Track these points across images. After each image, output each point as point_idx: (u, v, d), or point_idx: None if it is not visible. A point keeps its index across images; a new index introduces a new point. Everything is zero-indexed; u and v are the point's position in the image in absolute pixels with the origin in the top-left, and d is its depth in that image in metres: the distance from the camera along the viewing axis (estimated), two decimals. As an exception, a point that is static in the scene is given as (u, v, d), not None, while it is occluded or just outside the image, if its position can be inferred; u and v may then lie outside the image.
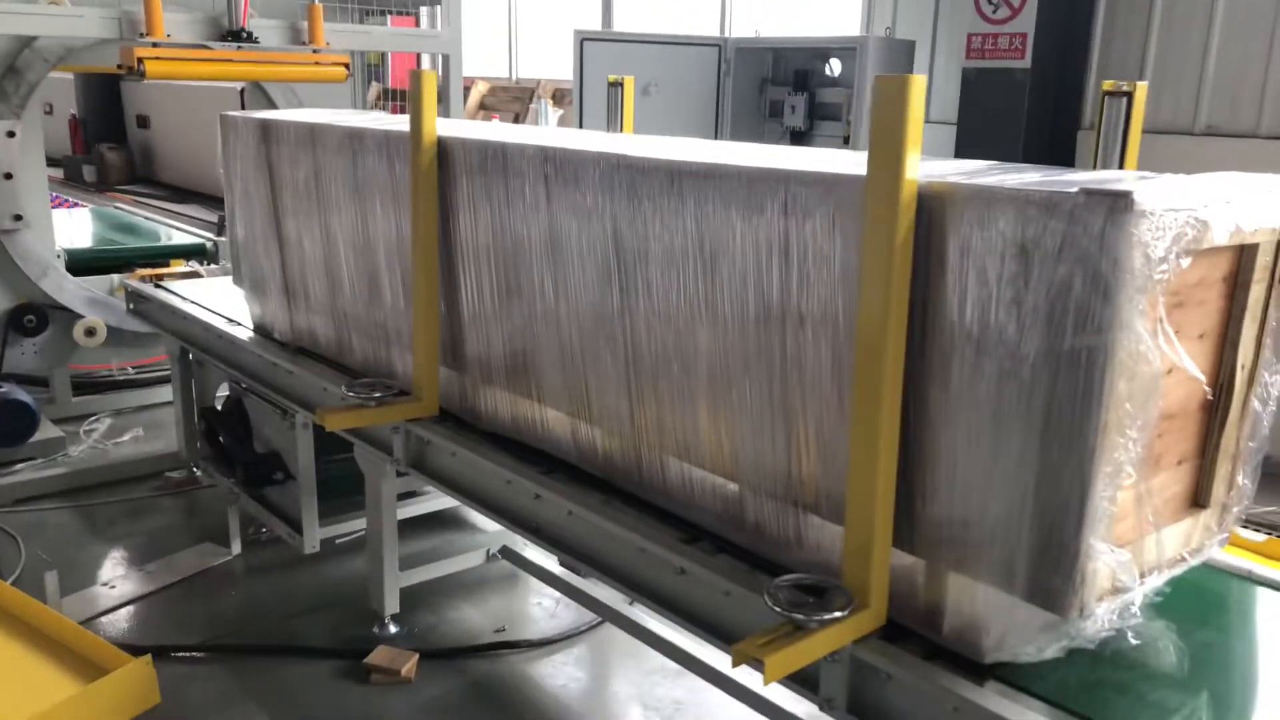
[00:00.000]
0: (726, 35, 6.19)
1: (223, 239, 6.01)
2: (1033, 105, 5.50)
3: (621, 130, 3.24)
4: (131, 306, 4.82)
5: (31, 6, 4.17)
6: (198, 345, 4.21)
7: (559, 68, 8.65)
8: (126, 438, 5.21)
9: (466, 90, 8.95)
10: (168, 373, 5.97)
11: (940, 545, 1.74)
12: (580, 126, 6.00)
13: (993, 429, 1.62)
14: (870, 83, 5.65)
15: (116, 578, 3.90)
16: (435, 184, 2.83)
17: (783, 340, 1.91)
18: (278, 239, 3.58)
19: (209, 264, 6.09)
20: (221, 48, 4.45)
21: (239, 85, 12.52)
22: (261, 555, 4.10)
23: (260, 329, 3.88)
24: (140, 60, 4.14)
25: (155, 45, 4.23)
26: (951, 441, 1.69)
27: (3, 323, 5.01)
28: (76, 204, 8.13)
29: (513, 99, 8.59)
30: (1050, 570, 1.59)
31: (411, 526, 3.70)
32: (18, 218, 4.82)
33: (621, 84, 3.20)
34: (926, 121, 6.46)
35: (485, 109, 8.68)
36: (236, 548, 4.09)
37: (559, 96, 8.27)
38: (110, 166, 9.69)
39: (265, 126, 3.55)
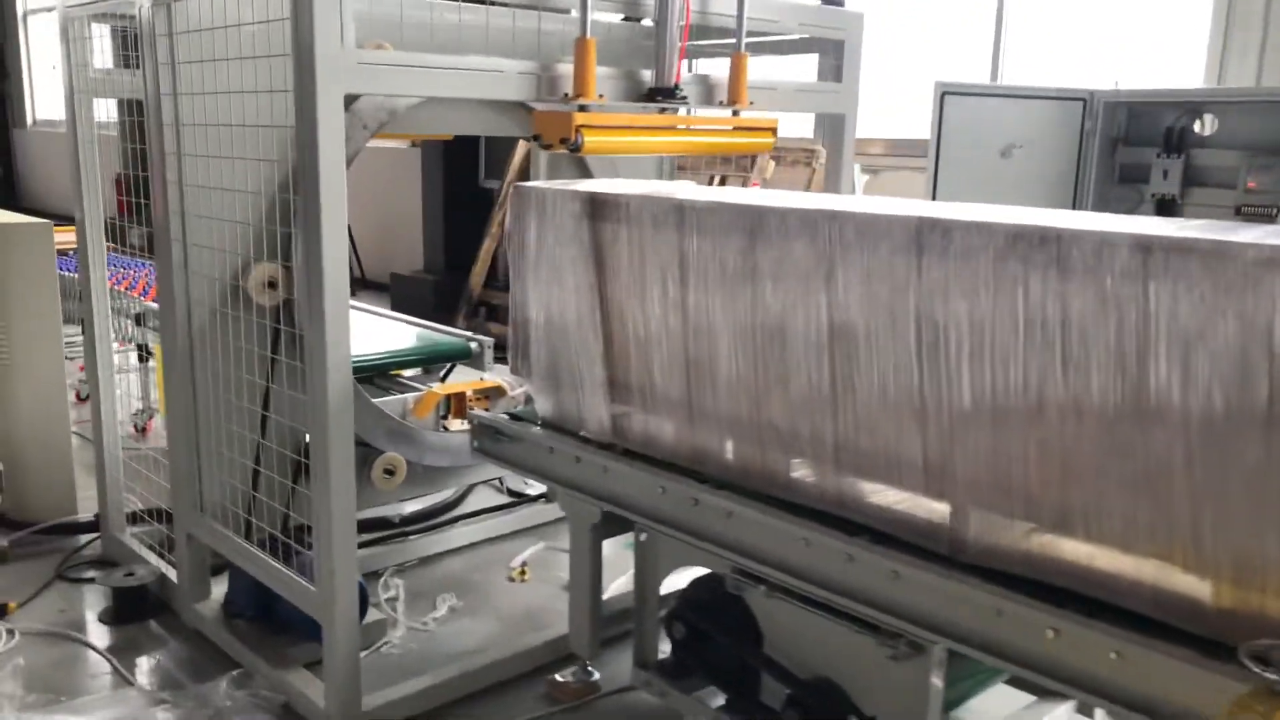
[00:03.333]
0: (1093, 88, 5.18)
1: (485, 339, 4.91)
2: None
3: None
4: (478, 444, 3.66)
5: (434, 59, 3.02)
6: (654, 516, 3.05)
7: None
8: (443, 610, 4.02)
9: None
10: (441, 505, 4.86)
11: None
12: (934, 196, 4.97)
13: None
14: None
15: None
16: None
17: None
18: (601, 326, 2.94)
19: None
20: (645, 111, 3.36)
21: (406, 144, 11.38)
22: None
23: (552, 425, 3.22)
24: (579, 130, 3.02)
25: (583, 109, 3.13)
26: None
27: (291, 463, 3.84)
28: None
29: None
30: None
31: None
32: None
33: None
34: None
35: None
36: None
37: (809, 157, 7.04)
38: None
39: (595, 201, 2.87)
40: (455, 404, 4.34)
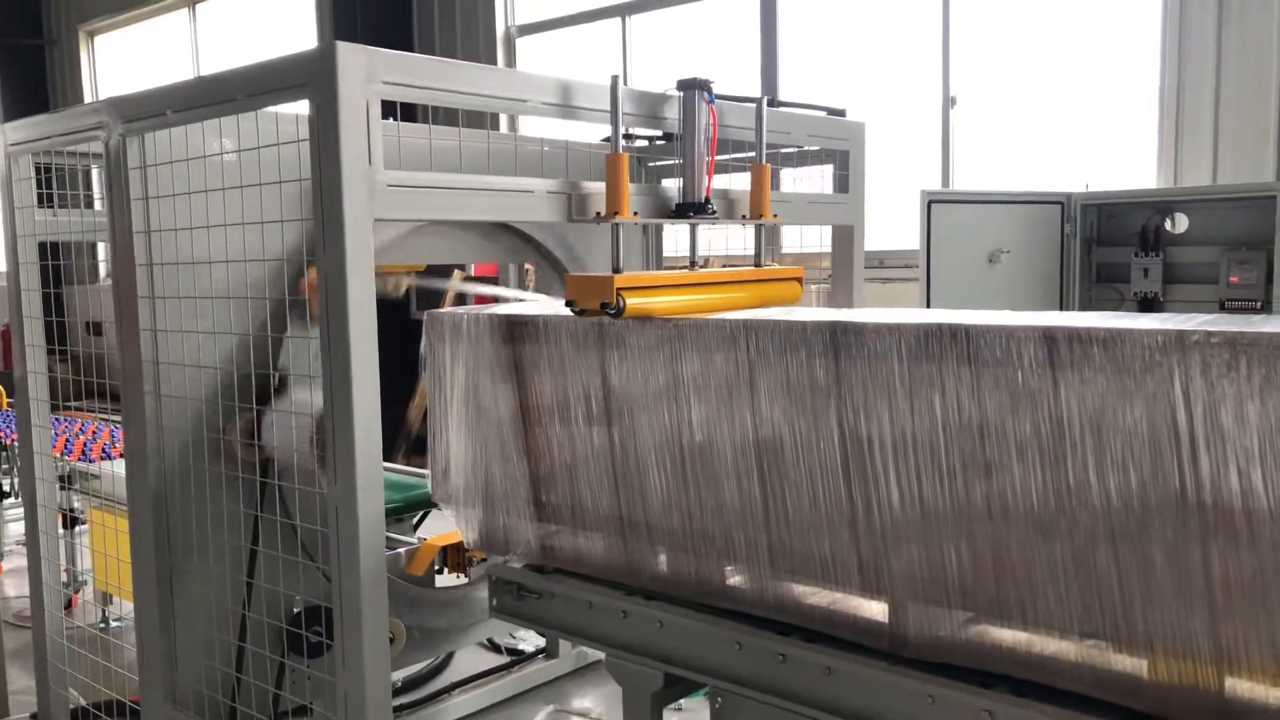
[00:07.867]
0: (1070, 191, 5.20)
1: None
2: None
3: None
4: (497, 603, 3.26)
5: (463, 179, 2.75)
6: (729, 676, 2.67)
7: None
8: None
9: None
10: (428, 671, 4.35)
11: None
12: (928, 305, 4.85)
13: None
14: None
15: None
16: None
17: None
18: (525, 448, 2.92)
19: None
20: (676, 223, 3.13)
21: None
22: None
23: (482, 547, 3.12)
24: (620, 294, 2.55)
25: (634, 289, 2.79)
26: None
27: (280, 636, 3.37)
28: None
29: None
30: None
31: None
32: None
33: None
34: None
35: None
36: None
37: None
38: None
39: (512, 323, 2.84)
40: (452, 556, 3.94)
